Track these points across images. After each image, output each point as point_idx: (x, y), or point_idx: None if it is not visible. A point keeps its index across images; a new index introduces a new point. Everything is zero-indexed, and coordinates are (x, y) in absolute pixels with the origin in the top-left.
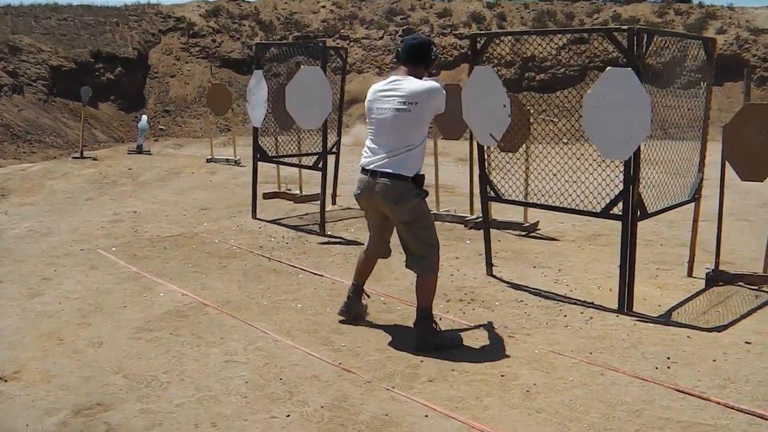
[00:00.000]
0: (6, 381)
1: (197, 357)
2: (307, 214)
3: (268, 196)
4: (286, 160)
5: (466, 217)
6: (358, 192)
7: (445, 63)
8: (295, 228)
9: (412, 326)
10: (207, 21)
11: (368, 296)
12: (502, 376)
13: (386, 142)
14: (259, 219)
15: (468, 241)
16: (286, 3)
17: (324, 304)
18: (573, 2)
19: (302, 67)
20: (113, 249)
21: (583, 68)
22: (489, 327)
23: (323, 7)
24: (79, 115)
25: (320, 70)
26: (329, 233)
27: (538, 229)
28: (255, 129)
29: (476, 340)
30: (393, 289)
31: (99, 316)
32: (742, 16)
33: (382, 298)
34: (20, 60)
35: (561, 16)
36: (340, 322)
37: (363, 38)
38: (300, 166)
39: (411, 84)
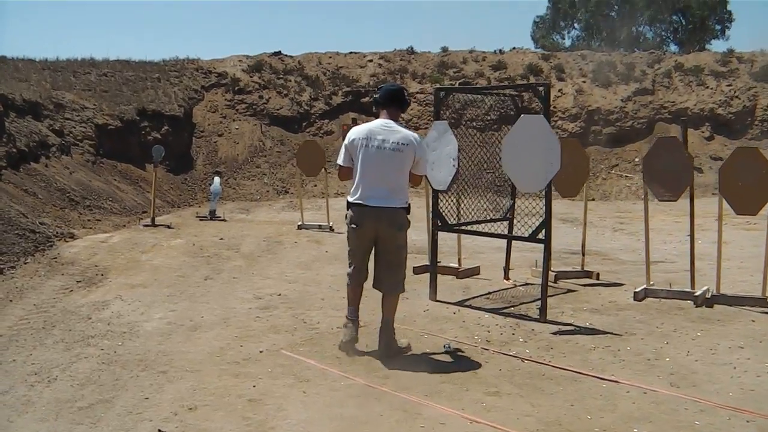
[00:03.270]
0: None
1: None
2: (489, 293)
3: (419, 270)
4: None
5: (691, 291)
6: (358, 224)
7: (507, 116)
8: (500, 313)
9: (378, 332)
10: (251, 76)
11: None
12: None
13: (387, 179)
14: (440, 301)
15: (721, 323)
16: (330, 57)
17: (675, 428)
18: (630, 53)
19: (523, 116)
20: (300, 349)
21: (650, 120)
22: None
23: (370, 61)
24: (129, 177)
25: (544, 119)
26: (551, 320)
27: None
28: (435, 192)
29: None
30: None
31: None
32: None
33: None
34: (65, 118)
35: (621, 67)
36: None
37: (418, 93)
38: (504, 237)
39: (403, 128)
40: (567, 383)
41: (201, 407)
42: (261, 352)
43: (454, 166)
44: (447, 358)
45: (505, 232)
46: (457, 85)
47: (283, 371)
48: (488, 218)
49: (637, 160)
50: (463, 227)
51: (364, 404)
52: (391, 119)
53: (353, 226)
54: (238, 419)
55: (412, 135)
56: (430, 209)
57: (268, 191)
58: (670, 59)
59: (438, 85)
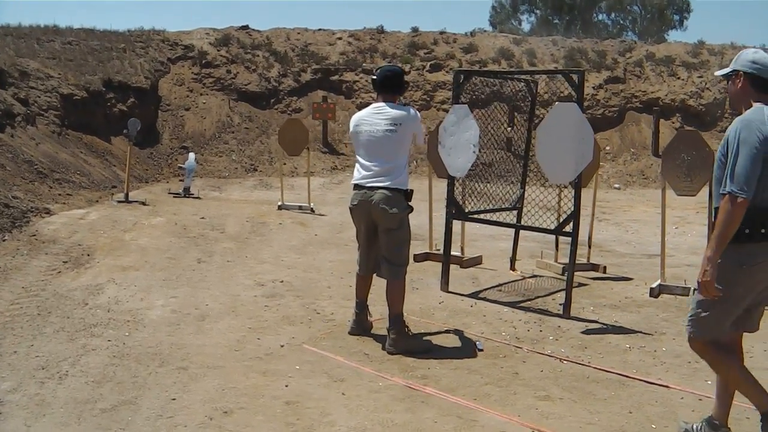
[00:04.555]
0: None
1: None
2: (500, 284)
3: (420, 258)
4: (484, 218)
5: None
6: (355, 203)
7: (477, 101)
8: (520, 307)
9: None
10: (218, 50)
11: (371, 315)
12: None
13: (379, 160)
14: (452, 292)
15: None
16: (299, 33)
17: None
18: (602, 41)
19: (557, 103)
20: (323, 344)
21: (621, 109)
22: None
23: (339, 38)
24: (96, 150)
25: (578, 108)
26: (574, 316)
27: None
28: (450, 179)
29: None
30: None
31: None
32: None
33: None
34: (29, 87)
35: (593, 54)
36: (350, 333)
37: None
38: (529, 228)
39: (394, 109)
40: (616, 387)
41: (236, 410)
42: (282, 346)
43: (474, 152)
44: (480, 355)
45: (503, 219)
46: (428, 66)
47: (313, 369)
48: (497, 207)
49: (608, 148)
50: (478, 216)
51: (413, 409)
52: (385, 102)
53: (351, 205)
54: (281, 425)
55: (403, 112)
56: (445, 196)
57: (236, 168)
58: (641, 48)
59: (408, 66)
